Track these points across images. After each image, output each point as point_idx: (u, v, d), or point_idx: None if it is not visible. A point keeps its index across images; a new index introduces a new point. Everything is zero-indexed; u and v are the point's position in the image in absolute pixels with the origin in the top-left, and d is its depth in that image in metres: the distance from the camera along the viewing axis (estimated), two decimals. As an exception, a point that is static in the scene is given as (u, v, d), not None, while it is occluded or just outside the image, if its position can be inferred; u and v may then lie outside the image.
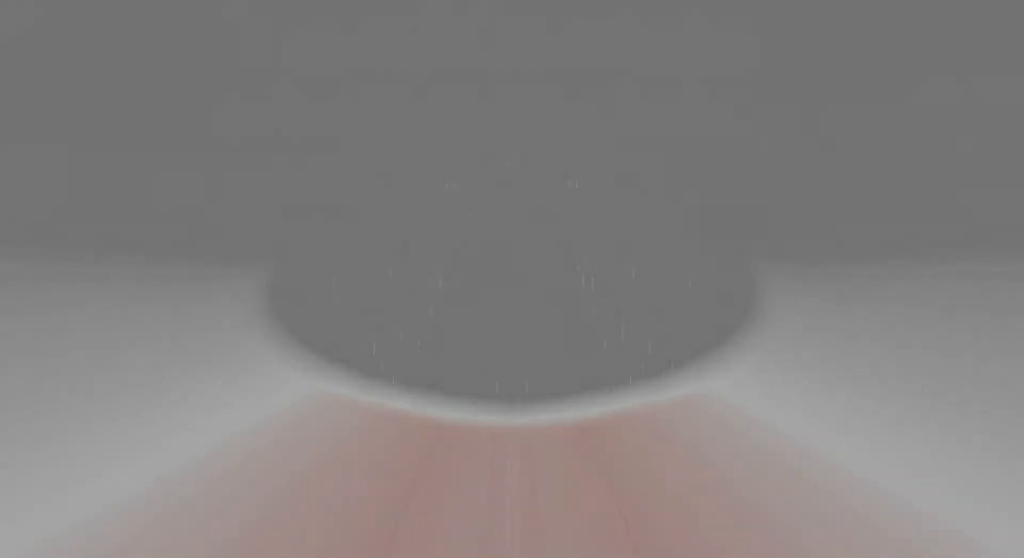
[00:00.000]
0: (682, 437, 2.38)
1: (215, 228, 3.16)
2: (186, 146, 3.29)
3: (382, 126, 3.37)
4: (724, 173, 3.27)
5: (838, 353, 2.65)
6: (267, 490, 2.26)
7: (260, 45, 3.24)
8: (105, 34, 3.22)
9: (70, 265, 2.98)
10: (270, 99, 3.34)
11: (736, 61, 3.21)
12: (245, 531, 2.12)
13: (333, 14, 3.25)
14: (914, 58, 3.12)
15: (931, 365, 2.57)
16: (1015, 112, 3.11)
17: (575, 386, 2.57)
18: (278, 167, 3.35)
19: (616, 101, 3.28)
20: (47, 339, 2.70)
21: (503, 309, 2.86)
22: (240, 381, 2.57)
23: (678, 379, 2.58)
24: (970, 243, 3.03)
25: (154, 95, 3.27)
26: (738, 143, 3.25)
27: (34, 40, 3.11)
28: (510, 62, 3.22)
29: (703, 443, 2.37)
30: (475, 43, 3.21)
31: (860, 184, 3.18)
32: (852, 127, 3.16)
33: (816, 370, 2.56)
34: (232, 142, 3.33)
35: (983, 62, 3.06)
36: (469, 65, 3.22)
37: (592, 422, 2.46)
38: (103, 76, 3.25)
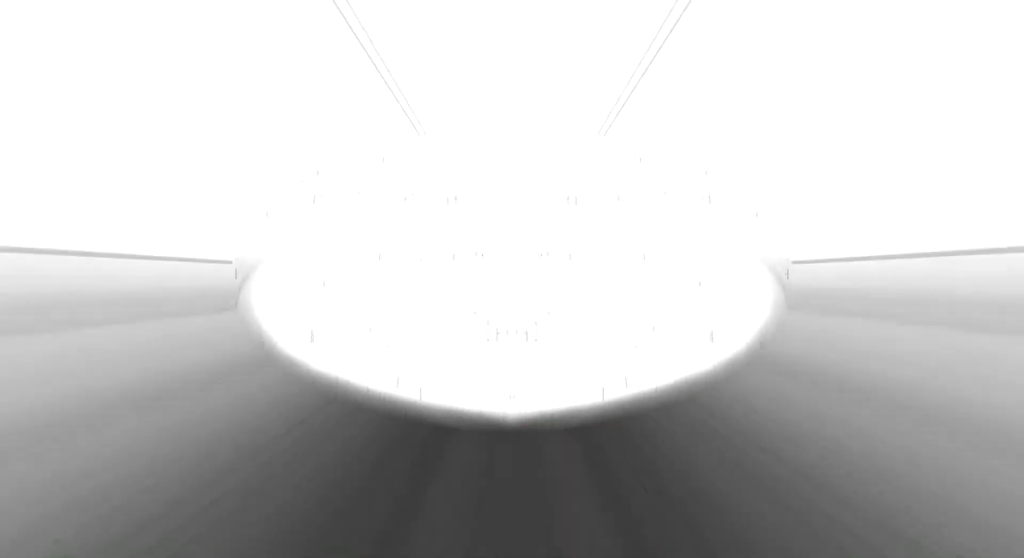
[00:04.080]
0: (682, 436, 2.39)
1: (214, 227, 3.17)
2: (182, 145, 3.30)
3: (381, 123, 3.37)
4: (724, 172, 3.27)
5: (841, 353, 2.66)
6: (268, 490, 2.27)
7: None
8: (106, 35, 3.23)
9: (63, 262, 2.99)
10: (267, 97, 3.35)
11: (740, 62, 3.21)
12: (246, 530, 2.14)
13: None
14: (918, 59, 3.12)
15: (934, 363, 2.58)
16: (1016, 112, 3.11)
17: (575, 387, 2.58)
18: (276, 165, 3.35)
19: (617, 99, 3.28)
20: (46, 339, 2.72)
21: (503, 309, 2.87)
22: (240, 381, 2.59)
23: (678, 379, 2.59)
24: (971, 240, 3.03)
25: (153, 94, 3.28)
26: (738, 143, 3.25)
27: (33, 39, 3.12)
28: (507, 63, 3.23)
29: (703, 442, 2.38)
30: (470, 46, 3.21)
31: (862, 182, 3.18)
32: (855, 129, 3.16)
33: (818, 370, 2.57)
34: (229, 141, 3.34)
35: (984, 64, 3.06)
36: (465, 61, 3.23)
37: (591, 422, 2.47)
38: (104, 76, 3.26)
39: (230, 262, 3.07)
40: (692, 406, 2.49)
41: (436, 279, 3.01)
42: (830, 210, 3.14)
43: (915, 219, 3.09)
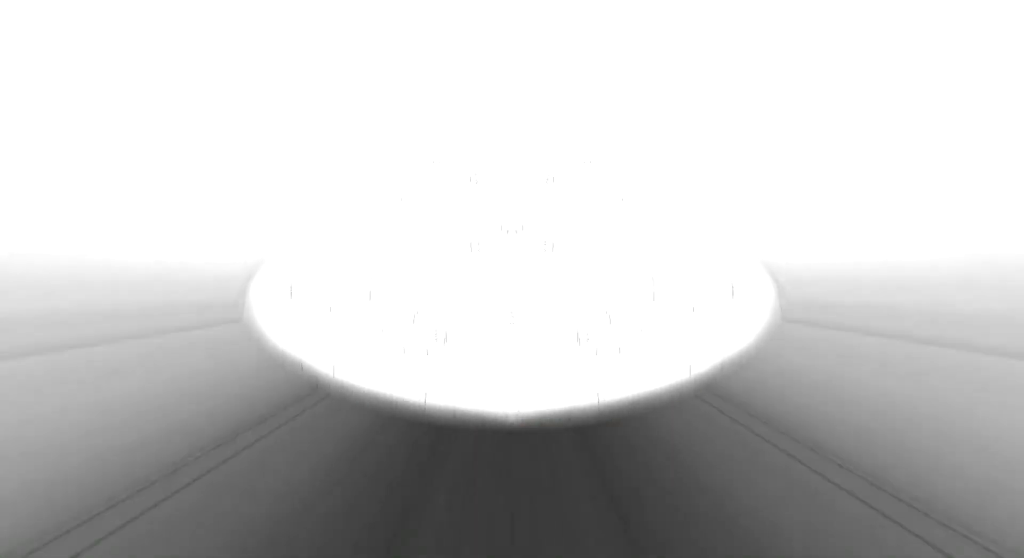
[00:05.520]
0: (683, 436, 2.38)
1: (212, 226, 3.17)
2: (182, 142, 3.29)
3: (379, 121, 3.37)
4: (723, 172, 3.27)
5: (841, 351, 2.66)
6: (267, 491, 2.26)
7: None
8: (107, 32, 3.22)
9: (60, 261, 2.99)
10: (268, 97, 3.34)
11: (737, 59, 3.21)
12: (243, 531, 2.13)
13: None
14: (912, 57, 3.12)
15: (937, 360, 2.57)
16: (1016, 110, 3.11)
17: (575, 387, 2.58)
18: (275, 164, 3.35)
19: (614, 98, 3.28)
20: (45, 338, 2.70)
21: (502, 308, 2.87)
22: (238, 380, 2.58)
23: (678, 379, 2.59)
24: (970, 236, 3.04)
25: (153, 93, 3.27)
26: (737, 142, 3.26)
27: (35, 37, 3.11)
28: (504, 59, 3.23)
29: (704, 442, 2.38)
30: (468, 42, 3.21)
31: (861, 180, 3.19)
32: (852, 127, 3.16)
33: (818, 369, 2.57)
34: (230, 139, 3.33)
35: (982, 65, 3.06)
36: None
37: (592, 422, 2.47)
38: (103, 73, 3.25)
39: (235, 264, 3.05)
40: (694, 405, 2.48)
41: (436, 279, 3.01)
42: (831, 210, 3.14)
43: (918, 220, 3.09)
